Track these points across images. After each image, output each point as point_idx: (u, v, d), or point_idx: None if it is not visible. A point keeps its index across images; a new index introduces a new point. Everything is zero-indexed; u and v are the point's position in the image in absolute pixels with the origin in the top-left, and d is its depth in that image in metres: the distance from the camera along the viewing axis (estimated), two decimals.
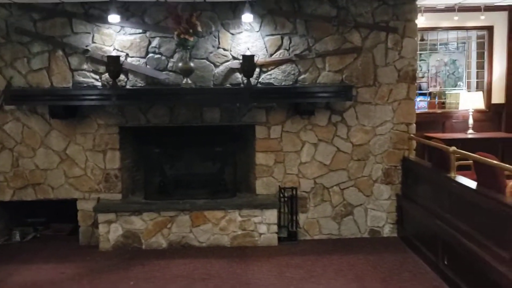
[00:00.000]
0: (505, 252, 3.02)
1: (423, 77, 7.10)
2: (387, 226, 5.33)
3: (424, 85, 7.12)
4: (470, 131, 6.30)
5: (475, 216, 3.49)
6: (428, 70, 7.03)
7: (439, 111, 6.82)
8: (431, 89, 6.99)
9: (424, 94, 7.04)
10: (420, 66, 7.35)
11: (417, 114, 6.60)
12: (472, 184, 3.67)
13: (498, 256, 3.10)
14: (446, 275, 3.93)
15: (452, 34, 6.78)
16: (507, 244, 2.98)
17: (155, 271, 4.40)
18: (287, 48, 5.09)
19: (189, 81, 4.89)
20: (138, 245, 5.00)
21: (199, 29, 4.82)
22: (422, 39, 6.81)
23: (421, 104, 7.05)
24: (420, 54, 7.12)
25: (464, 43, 7.02)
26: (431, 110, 6.83)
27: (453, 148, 3.97)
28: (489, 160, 3.37)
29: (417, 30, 5.19)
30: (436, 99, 6.94)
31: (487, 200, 3.29)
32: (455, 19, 6.12)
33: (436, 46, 6.90)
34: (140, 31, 5.03)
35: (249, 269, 4.40)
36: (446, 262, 3.94)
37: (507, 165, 3.11)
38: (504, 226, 3.03)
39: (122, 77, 5.01)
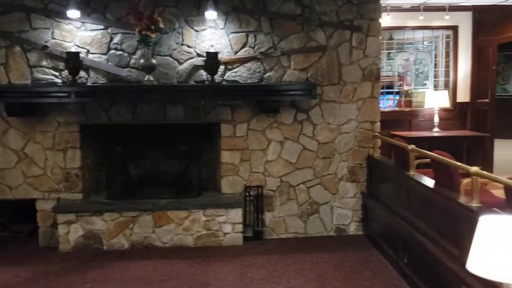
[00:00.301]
0: (456, 250, 3.03)
1: (392, 75, 7.16)
2: (352, 224, 5.34)
3: (395, 84, 7.18)
4: (436, 129, 6.37)
5: (431, 214, 3.51)
6: (396, 69, 7.09)
7: (406, 109, 6.88)
8: (400, 88, 7.05)
9: (393, 93, 7.10)
10: (390, 65, 7.41)
11: (385, 112, 6.62)
12: (429, 182, 3.68)
13: (451, 254, 3.11)
14: (406, 273, 3.94)
15: (421, 34, 6.85)
16: (458, 242, 2.99)
17: (113, 272, 4.31)
18: (252, 45, 5.05)
19: (151, 78, 4.80)
20: (100, 246, 4.89)
21: (161, 25, 4.73)
22: (390, 38, 6.87)
23: (390, 102, 7.11)
24: (389, 53, 7.17)
25: (432, 42, 7.10)
26: (398, 109, 6.89)
27: (412, 146, 3.98)
28: (444, 158, 3.38)
29: (381, 29, 5.21)
30: (402, 97, 7.00)
31: (441, 198, 3.30)
32: (421, 19, 6.17)
33: (403, 45, 6.96)
34: (102, 27, 4.92)
35: (210, 270, 4.34)
36: (405, 260, 3.95)
37: (460, 164, 3.12)
38: (456, 224, 3.04)
39: (83, 74, 4.89)
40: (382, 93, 7.03)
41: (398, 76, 7.12)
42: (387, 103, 6.99)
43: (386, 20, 6.07)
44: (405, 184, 4.02)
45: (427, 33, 6.87)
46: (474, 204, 2.92)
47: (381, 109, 6.90)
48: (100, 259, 4.63)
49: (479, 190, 2.98)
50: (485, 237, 1.82)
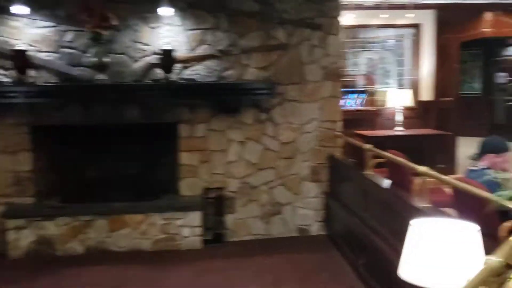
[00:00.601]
0: None
1: (359, 74, 7.13)
2: (315, 225, 5.26)
3: (360, 83, 7.15)
4: (399, 128, 6.35)
5: (385, 214, 3.45)
6: (359, 68, 7.06)
7: (372, 108, 6.85)
8: (364, 87, 7.02)
9: (360, 92, 7.06)
10: (357, 64, 7.37)
11: (349, 111, 6.56)
12: (383, 182, 3.62)
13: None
14: (362, 275, 3.87)
15: (388, 32, 6.83)
16: None
17: (64, 279, 4.13)
18: (210, 43, 4.92)
19: (104, 77, 4.63)
20: (53, 252, 4.69)
21: (114, 22, 4.57)
22: (355, 37, 6.83)
23: (357, 101, 7.08)
24: (354, 52, 7.14)
25: (399, 41, 7.09)
26: (361, 108, 6.86)
27: (368, 146, 3.92)
28: (395, 157, 3.32)
29: (341, 28, 5.14)
30: (365, 97, 6.97)
31: (393, 198, 3.24)
32: (384, 17, 6.14)
33: (368, 44, 6.94)
34: (52, 24, 4.72)
35: (165, 275, 4.21)
36: (362, 262, 3.88)
37: (412, 164, 3.06)
38: (406, 224, 2.97)
39: (33, 73, 4.69)
40: (348, 92, 7.02)
41: (365, 75, 7.09)
42: (353, 103, 6.94)
43: (348, 18, 6.01)
44: (362, 184, 3.96)
45: (394, 31, 6.86)
46: (423, 204, 2.86)
47: (347, 108, 6.91)
48: (53, 266, 4.44)
49: (432, 189, 2.93)
50: (415, 241, 1.74)
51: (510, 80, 9.93)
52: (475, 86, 10.97)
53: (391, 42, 7.09)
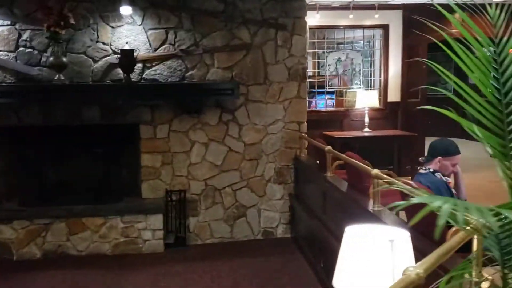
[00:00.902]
0: None
1: (331, 75, 7.10)
2: (280, 227, 5.21)
3: (330, 83, 7.13)
4: (366, 129, 6.34)
5: (342, 217, 3.41)
6: (327, 69, 7.03)
7: (340, 109, 6.84)
8: (334, 88, 7.01)
9: (330, 93, 7.04)
10: (328, 64, 7.36)
11: (319, 112, 6.53)
12: (340, 184, 3.59)
13: None
14: (322, 278, 3.84)
15: (358, 33, 6.82)
16: None
17: (18, 285, 4.02)
18: (172, 42, 4.83)
19: (62, 77, 4.52)
20: (9, 256, 4.56)
21: (72, 21, 4.46)
22: (324, 37, 6.80)
23: (328, 102, 7.06)
24: (323, 52, 7.12)
25: (368, 41, 7.08)
26: (331, 109, 6.84)
27: (328, 147, 3.88)
28: (350, 159, 3.29)
29: (306, 28, 5.11)
30: (335, 97, 6.96)
31: (348, 200, 3.20)
32: (351, 17, 6.12)
33: (338, 45, 6.92)
34: (9, 22, 4.59)
35: (123, 279, 4.12)
36: (322, 265, 3.84)
37: (366, 166, 3.02)
38: None
39: None
40: (318, 92, 6.99)
41: (335, 75, 7.07)
42: (323, 103, 6.92)
43: (315, 19, 5.97)
44: (322, 186, 3.92)
45: (365, 32, 6.84)
46: (375, 207, 2.82)
47: (317, 109, 6.88)
48: (8, 271, 4.31)
49: (388, 192, 2.90)
50: (350, 248, 1.70)
51: None
52: (449, 87, 11.08)
53: (362, 42, 7.09)
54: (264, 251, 4.79)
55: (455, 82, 1.31)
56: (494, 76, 1.36)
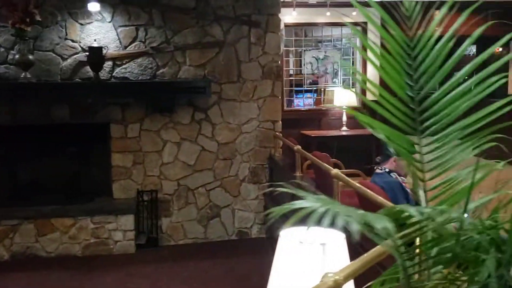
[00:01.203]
0: None
1: (309, 74, 7.04)
2: (255, 227, 5.15)
3: (309, 82, 7.06)
4: (344, 128, 6.28)
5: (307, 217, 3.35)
6: (313, 67, 6.97)
7: (319, 108, 6.77)
8: (313, 86, 6.94)
9: (310, 91, 6.98)
10: (310, 63, 7.29)
11: (297, 111, 6.46)
12: (308, 184, 3.52)
13: None
14: None
15: (337, 31, 6.75)
16: None
17: None
18: (143, 40, 4.75)
19: (28, 75, 4.42)
20: None
21: (38, 18, 4.36)
22: (305, 35, 6.73)
23: (309, 101, 6.99)
24: (305, 50, 7.06)
25: (349, 40, 7.01)
26: (311, 107, 6.77)
27: (297, 147, 3.82)
28: (314, 158, 3.22)
29: (280, 25, 5.04)
30: (313, 96, 6.89)
31: None
32: (328, 15, 6.05)
33: (318, 43, 6.85)
34: None
35: (91, 281, 4.04)
36: None
37: (327, 166, 2.95)
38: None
39: None
40: (296, 91, 6.92)
41: (315, 74, 7.00)
42: (303, 102, 6.85)
43: (292, 16, 5.90)
44: (290, 185, 3.85)
45: (344, 30, 6.78)
46: None
47: (297, 108, 6.82)
48: None
49: (347, 192, 2.84)
50: (282, 253, 1.62)
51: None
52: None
53: (342, 41, 7.02)
54: (238, 251, 4.72)
55: (363, 80, 1.24)
56: (407, 72, 1.29)
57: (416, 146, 1.25)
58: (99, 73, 4.57)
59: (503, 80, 1.17)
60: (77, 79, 4.66)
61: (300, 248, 1.56)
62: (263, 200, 5.11)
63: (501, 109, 1.16)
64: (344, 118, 6.31)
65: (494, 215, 1.17)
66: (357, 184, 2.48)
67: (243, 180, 5.08)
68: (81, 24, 4.64)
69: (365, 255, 1.35)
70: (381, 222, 0.93)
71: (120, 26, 4.69)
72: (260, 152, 5.07)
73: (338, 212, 0.96)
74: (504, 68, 7.58)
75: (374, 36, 5.33)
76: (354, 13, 6.03)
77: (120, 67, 4.72)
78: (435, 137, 1.25)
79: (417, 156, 1.26)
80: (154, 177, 4.90)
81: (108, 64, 4.65)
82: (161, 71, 4.80)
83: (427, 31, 1.27)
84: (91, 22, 4.65)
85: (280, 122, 5.10)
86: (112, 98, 4.68)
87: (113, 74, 4.71)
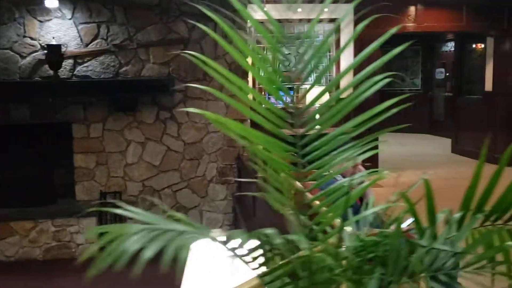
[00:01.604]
0: None
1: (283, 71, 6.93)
2: (224, 228, 5.04)
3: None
4: (317, 126, 6.16)
5: (266, 219, 3.25)
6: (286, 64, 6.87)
7: (296, 106, 6.67)
8: (290, 84, 6.84)
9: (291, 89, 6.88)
10: (288, 60, 7.17)
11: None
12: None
13: None
14: None
15: (316, 27, 6.64)
16: None
17: None
18: (105, 37, 4.62)
19: None
20: None
21: None
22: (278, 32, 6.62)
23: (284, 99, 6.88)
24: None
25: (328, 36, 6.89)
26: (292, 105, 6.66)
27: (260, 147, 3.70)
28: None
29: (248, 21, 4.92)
30: (293, 94, 6.79)
31: (262, 203, 3.04)
32: (299, 11, 5.93)
33: (292, 40, 6.74)
34: None
35: (47, 286, 3.92)
36: None
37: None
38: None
39: None
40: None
41: (288, 71, 6.88)
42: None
43: (261, 11, 5.78)
44: (254, 187, 3.74)
45: (322, 26, 6.67)
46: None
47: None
48: None
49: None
50: (192, 267, 1.52)
51: (448, 76, 9.93)
52: (416, 82, 10.99)
53: (320, 37, 6.92)
54: None
55: (228, 80, 1.14)
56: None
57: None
58: (60, 71, 4.44)
59: (386, 80, 1.08)
60: (37, 78, 4.53)
61: (211, 262, 1.46)
62: (232, 201, 5.00)
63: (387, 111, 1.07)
64: (317, 116, 6.20)
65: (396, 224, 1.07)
66: (301, 187, 2.37)
67: (210, 181, 4.97)
68: (40, 21, 4.50)
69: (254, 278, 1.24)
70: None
71: (81, 23, 4.56)
72: (228, 151, 4.96)
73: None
74: (479, 65, 7.52)
75: (348, 32, 5.17)
76: (325, 9, 5.94)
77: (82, 65, 4.59)
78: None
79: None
80: (118, 178, 4.78)
81: (69, 62, 4.53)
82: (124, 69, 4.67)
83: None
84: (51, 19, 4.51)
85: (249, 120, 4.99)
86: (74, 97, 4.56)
87: (75, 73, 4.58)
